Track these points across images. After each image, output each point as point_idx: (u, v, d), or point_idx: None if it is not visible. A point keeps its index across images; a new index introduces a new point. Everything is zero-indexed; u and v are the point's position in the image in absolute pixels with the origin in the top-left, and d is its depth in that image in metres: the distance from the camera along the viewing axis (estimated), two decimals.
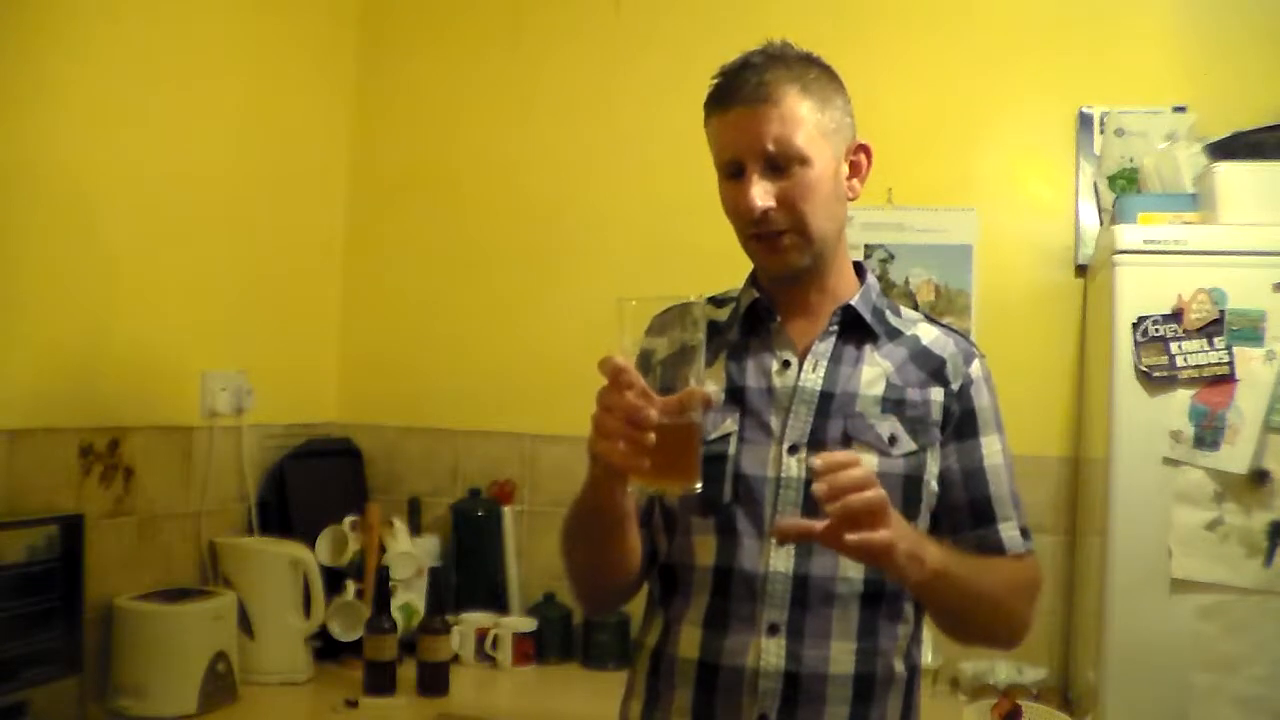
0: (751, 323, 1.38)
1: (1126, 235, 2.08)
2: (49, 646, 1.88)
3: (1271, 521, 1.96)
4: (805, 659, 1.26)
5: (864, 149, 1.38)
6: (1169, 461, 2.01)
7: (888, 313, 1.40)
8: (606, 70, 2.85)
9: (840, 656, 1.27)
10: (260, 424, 2.56)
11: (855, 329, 1.35)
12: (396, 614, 2.38)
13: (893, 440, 1.29)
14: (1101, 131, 2.54)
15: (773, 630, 1.26)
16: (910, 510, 1.29)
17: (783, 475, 1.28)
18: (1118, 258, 2.07)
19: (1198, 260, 2.03)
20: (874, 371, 1.33)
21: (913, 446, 1.30)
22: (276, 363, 2.65)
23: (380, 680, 2.25)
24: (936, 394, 1.33)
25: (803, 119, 1.27)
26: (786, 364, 1.34)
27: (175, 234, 2.31)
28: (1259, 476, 1.97)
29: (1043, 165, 2.62)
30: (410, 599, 2.51)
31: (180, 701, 2.01)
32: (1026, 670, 2.38)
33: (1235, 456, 1.97)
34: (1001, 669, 2.37)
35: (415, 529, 2.68)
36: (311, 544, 2.43)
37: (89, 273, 2.09)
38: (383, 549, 2.53)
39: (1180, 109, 2.46)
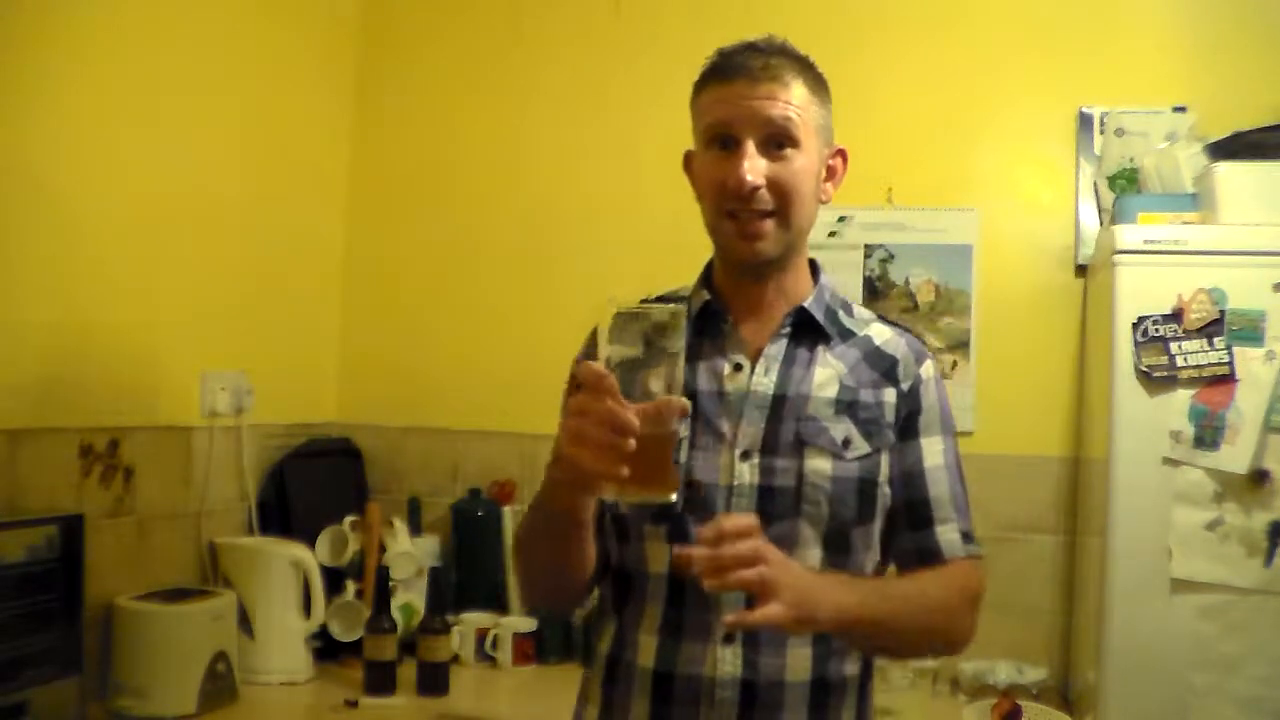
0: (703, 324, 1.34)
1: (1126, 235, 2.08)
2: (49, 646, 1.87)
3: (1271, 521, 1.96)
4: (762, 667, 1.25)
5: (841, 154, 1.36)
6: (1169, 461, 2.01)
7: (840, 312, 1.37)
8: (606, 71, 2.85)
9: (797, 663, 1.26)
10: (260, 424, 2.56)
11: (808, 330, 1.33)
12: (396, 614, 2.38)
13: (846, 443, 1.27)
14: (1101, 131, 2.54)
15: (729, 639, 1.25)
16: (865, 513, 1.28)
17: (735, 482, 1.26)
18: (1118, 258, 2.07)
19: (1198, 260, 2.03)
20: (827, 373, 1.31)
21: (867, 449, 1.28)
22: (276, 363, 2.65)
23: (380, 680, 2.25)
24: (889, 395, 1.32)
25: (803, 106, 1.26)
26: (739, 367, 1.31)
27: (175, 234, 2.31)
28: (1259, 476, 1.97)
29: (1043, 165, 2.62)
30: (410, 599, 2.51)
31: (180, 701, 2.01)
32: (1026, 670, 2.38)
33: (1235, 456, 1.97)
34: (1001, 669, 2.37)
35: (415, 529, 2.68)
36: (311, 544, 2.43)
37: (89, 272, 2.09)
38: (383, 549, 2.52)
39: (1180, 109, 2.46)
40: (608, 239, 2.81)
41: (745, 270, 1.32)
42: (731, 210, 1.27)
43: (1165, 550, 2.00)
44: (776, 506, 1.23)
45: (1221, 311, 2.00)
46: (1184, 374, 2.01)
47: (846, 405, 1.29)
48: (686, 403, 1.11)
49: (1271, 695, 1.94)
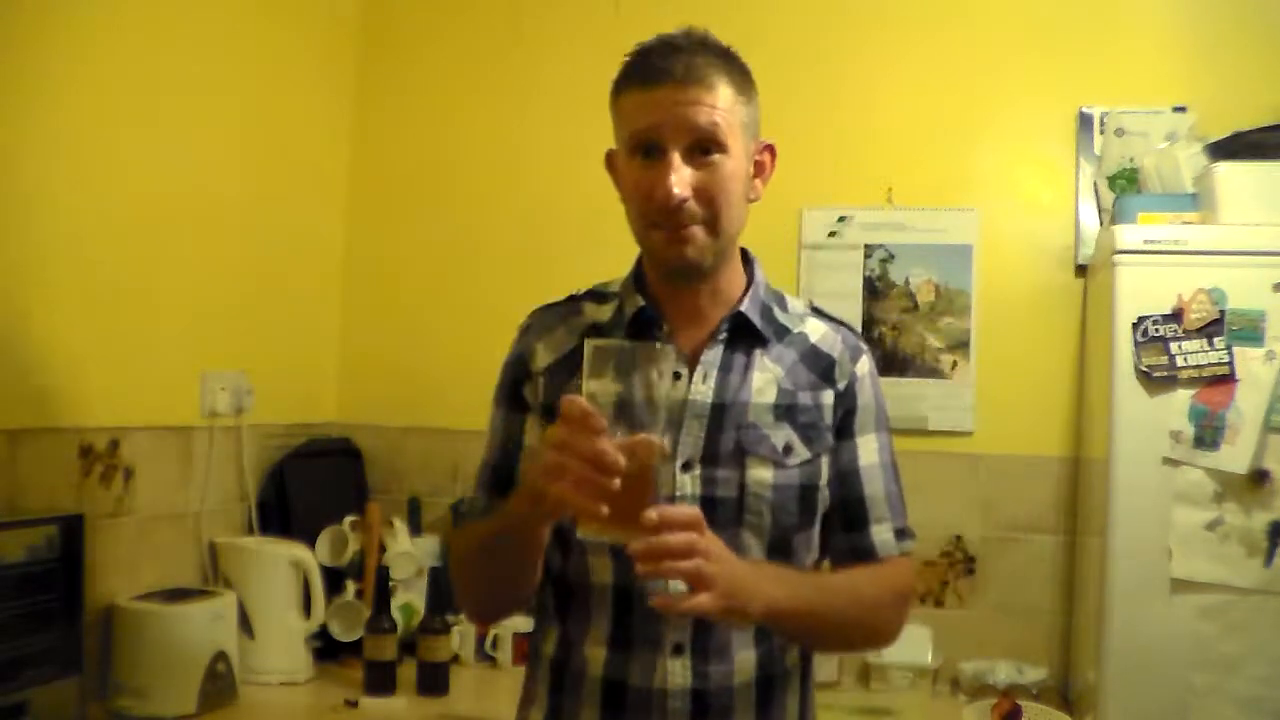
0: (637, 331, 1.31)
1: (1126, 235, 2.08)
2: (49, 646, 1.87)
3: (1271, 521, 1.96)
4: (711, 675, 1.25)
5: (769, 149, 1.31)
6: (1169, 461, 2.01)
7: (775, 309, 1.34)
8: (606, 71, 2.80)
9: (743, 666, 1.26)
10: (260, 424, 2.56)
11: (744, 334, 1.30)
12: (396, 614, 2.38)
13: (787, 450, 1.26)
14: (1101, 131, 2.54)
15: (677, 650, 1.24)
16: (806, 520, 1.28)
17: (678, 494, 1.23)
18: (1118, 258, 2.07)
19: (1198, 260, 2.03)
20: (764, 378, 1.28)
21: (807, 455, 1.27)
22: (276, 363, 2.65)
23: (380, 680, 2.25)
24: (827, 397, 1.30)
25: (728, 108, 1.22)
26: (677, 375, 1.26)
27: (175, 234, 2.30)
28: (1259, 476, 1.97)
29: (1043, 165, 2.62)
30: (410, 599, 2.51)
31: (180, 701, 2.01)
32: (1026, 670, 2.38)
33: (1235, 456, 1.97)
34: (1001, 669, 2.37)
35: (415, 529, 2.68)
36: (311, 544, 2.43)
37: (89, 272, 2.09)
38: (383, 549, 2.52)
39: (1180, 109, 2.46)
40: (608, 239, 2.77)
41: (676, 276, 1.28)
42: (658, 221, 1.24)
43: (1165, 550, 2.00)
44: (719, 517, 1.20)
45: (1221, 311, 2.00)
46: (1184, 374, 2.01)
47: (785, 410, 1.27)
48: (665, 445, 1.10)
49: (1271, 695, 1.94)
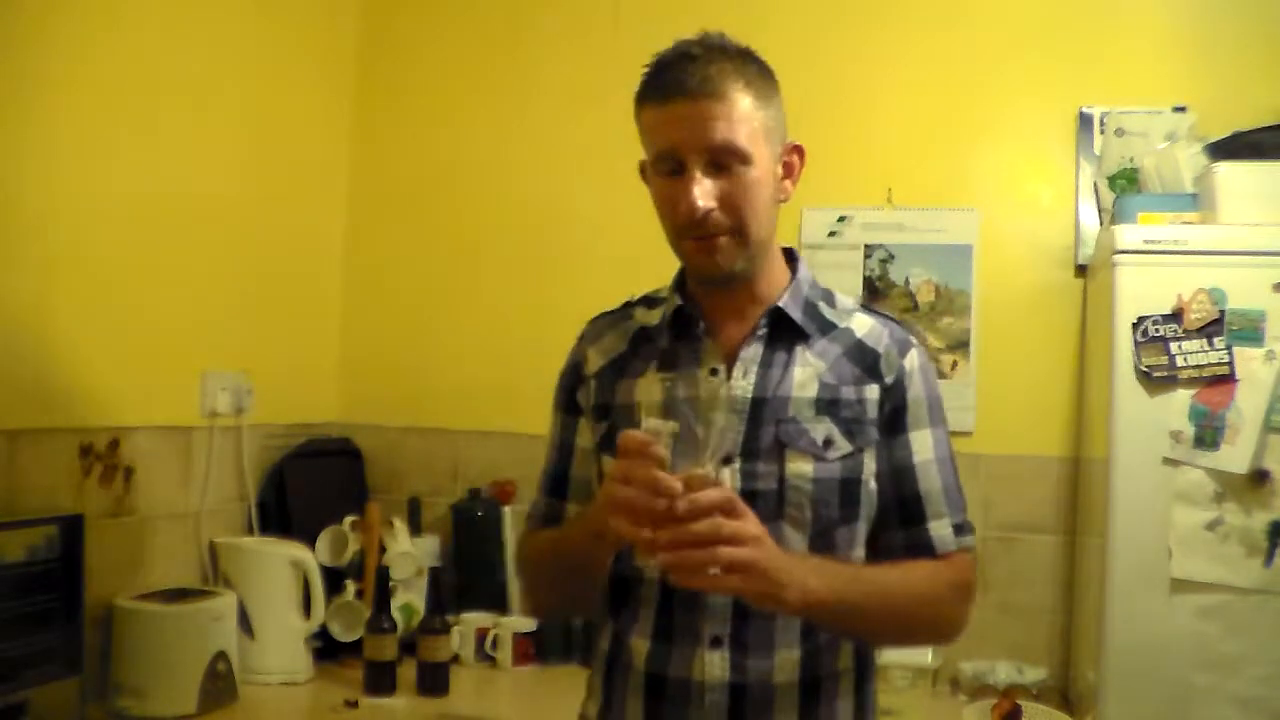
0: (677, 330, 1.34)
1: (1126, 235, 2.08)
2: (49, 646, 1.88)
3: (1271, 521, 1.96)
4: (750, 670, 1.25)
5: (797, 149, 1.32)
6: (1169, 461, 2.01)
7: (821, 304, 1.35)
8: (605, 72, 2.84)
9: (784, 665, 1.26)
10: (260, 424, 2.56)
11: (786, 329, 1.31)
12: (396, 614, 2.38)
13: (828, 444, 1.26)
14: (1101, 131, 2.54)
15: (715, 643, 1.25)
16: (849, 513, 1.27)
17: None
18: (1118, 258, 2.07)
19: (1198, 260, 2.03)
20: (806, 373, 1.29)
21: (849, 449, 1.27)
22: (276, 363, 2.65)
23: (380, 680, 2.25)
24: (871, 391, 1.29)
25: (747, 115, 1.22)
26: (714, 372, 1.29)
27: (175, 234, 2.31)
28: (1259, 476, 1.97)
29: (1043, 165, 2.62)
30: (410, 599, 2.51)
31: (180, 701, 2.01)
32: (1026, 670, 2.38)
33: (1235, 456, 1.97)
34: (1001, 669, 2.37)
35: (415, 529, 2.68)
36: (311, 544, 2.43)
37: (89, 272, 2.09)
38: (383, 549, 2.53)
39: (1180, 109, 2.46)
40: (608, 239, 2.81)
41: (709, 283, 1.31)
42: (686, 233, 1.26)
43: (1165, 550, 2.00)
44: (759, 510, 1.20)
45: (1221, 311, 2.00)
46: (1184, 374, 2.01)
47: (827, 404, 1.27)
48: (729, 487, 1.13)
49: (1271, 695, 1.94)
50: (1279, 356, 1.97)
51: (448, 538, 2.73)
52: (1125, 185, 2.46)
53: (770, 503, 1.24)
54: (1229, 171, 2.11)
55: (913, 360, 1.33)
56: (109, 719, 2.00)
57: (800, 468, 1.25)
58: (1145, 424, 2.02)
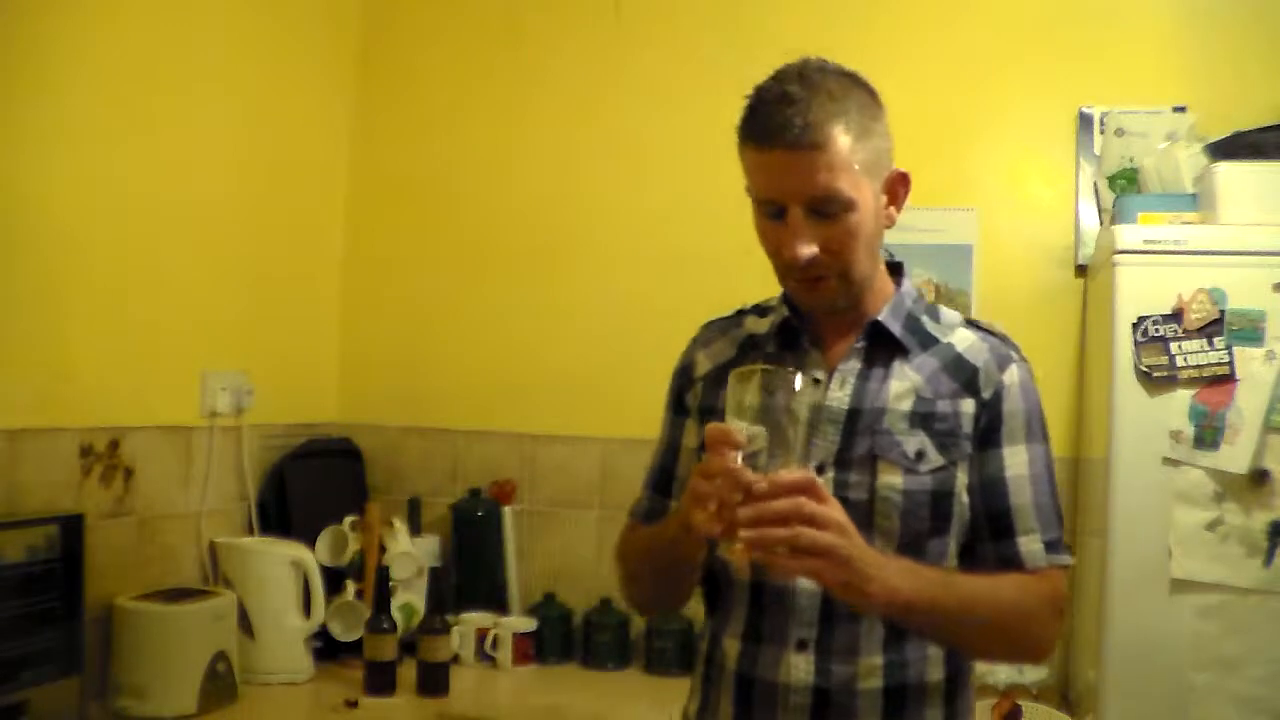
0: (782, 340, 1.36)
1: (1126, 235, 2.08)
2: (49, 646, 1.88)
3: (1271, 521, 1.96)
4: (834, 674, 1.26)
5: (903, 178, 1.31)
6: (1169, 461, 2.01)
7: (924, 319, 1.36)
8: (606, 72, 2.85)
9: (868, 672, 1.26)
10: (260, 424, 2.56)
11: (885, 342, 1.33)
12: (396, 614, 2.38)
13: (920, 456, 1.27)
14: (1101, 131, 2.54)
15: (801, 646, 1.27)
16: (939, 526, 1.27)
17: None
18: (1118, 258, 2.07)
19: (1198, 260, 2.03)
20: (903, 385, 1.30)
21: (940, 461, 1.27)
22: (276, 363, 2.65)
23: (380, 680, 2.25)
24: (967, 405, 1.29)
25: (847, 160, 1.21)
26: (815, 381, 1.30)
27: (176, 234, 2.31)
28: (1259, 476, 1.97)
29: (1043, 165, 2.62)
30: (410, 599, 2.51)
31: (180, 701, 2.01)
32: (1026, 670, 2.37)
33: (1235, 456, 1.97)
34: (1001, 669, 2.37)
35: (415, 529, 2.68)
36: (311, 544, 2.43)
37: (89, 272, 2.09)
38: (383, 549, 2.52)
39: (1180, 109, 2.46)
40: (608, 238, 2.81)
41: (815, 312, 1.34)
42: (789, 275, 1.28)
43: (1165, 550, 2.00)
44: (850, 520, 1.23)
45: (1221, 311, 2.00)
46: (1184, 374, 2.01)
47: (922, 417, 1.28)
48: (812, 475, 1.13)
49: (1271, 695, 1.94)
50: (1279, 356, 1.97)
51: (448, 538, 2.73)
52: (1125, 185, 2.46)
53: (860, 513, 1.24)
54: (1229, 171, 2.11)
55: (1012, 375, 1.33)
56: (109, 719, 2.00)
57: (891, 479, 1.26)
58: (1145, 424, 2.02)
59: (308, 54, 2.81)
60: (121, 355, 2.17)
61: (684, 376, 1.44)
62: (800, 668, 1.26)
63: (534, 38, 2.90)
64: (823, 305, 1.31)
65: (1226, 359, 1.99)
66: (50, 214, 2.01)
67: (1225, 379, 1.99)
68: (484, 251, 2.90)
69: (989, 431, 1.30)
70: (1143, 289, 2.05)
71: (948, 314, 1.39)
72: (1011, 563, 1.29)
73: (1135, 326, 2.04)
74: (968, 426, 1.29)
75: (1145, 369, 2.02)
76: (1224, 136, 2.24)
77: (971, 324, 1.38)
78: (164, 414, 2.29)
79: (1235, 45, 2.48)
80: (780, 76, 1.23)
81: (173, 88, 2.28)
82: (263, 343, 2.59)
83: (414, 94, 2.98)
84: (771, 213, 1.25)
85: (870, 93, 1.29)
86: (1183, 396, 2.01)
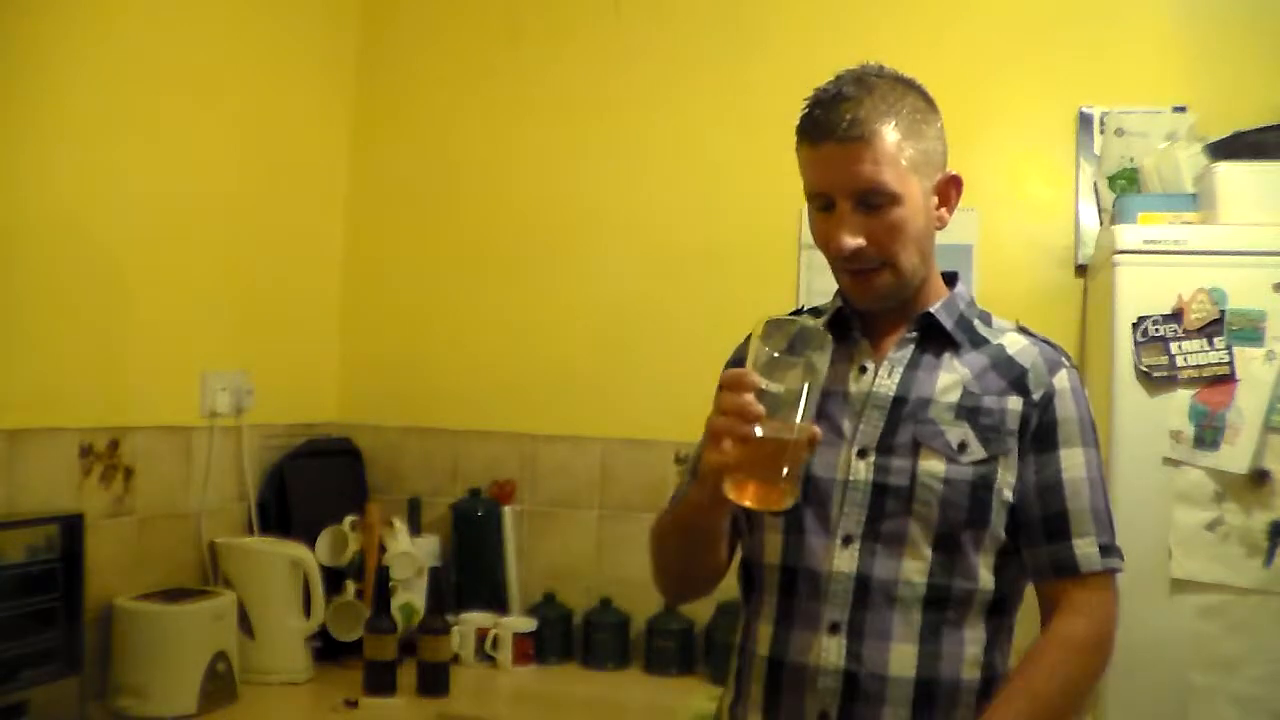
0: (834, 330, 1.36)
1: (1126, 235, 2.08)
2: (49, 646, 1.88)
3: (1271, 521, 1.96)
4: (865, 659, 1.26)
5: (954, 181, 1.35)
6: (1169, 461, 2.01)
7: (976, 322, 1.38)
8: (606, 73, 2.85)
9: (901, 659, 1.27)
10: (260, 424, 2.56)
11: (937, 336, 1.35)
12: (396, 614, 2.38)
13: (962, 447, 1.29)
14: (1101, 131, 2.54)
15: (834, 629, 1.28)
16: (976, 518, 1.28)
17: (850, 478, 1.30)
18: (1118, 258, 2.07)
19: (1198, 260, 2.03)
20: (951, 378, 1.32)
21: (983, 454, 1.29)
22: (276, 363, 2.65)
23: (380, 680, 2.25)
24: (1014, 403, 1.31)
25: (895, 156, 1.26)
26: (864, 369, 1.35)
27: (175, 234, 2.31)
28: (1259, 476, 1.97)
29: (1043, 165, 2.61)
30: (410, 599, 2.51)
31: (180, 701, 2.01)
32: None
33: (1235, 456, 1.97)
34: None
35: (415, 529, 2.68)
36: (311, 544, 2.43)
37: (89, 272, 2.09)
38: (383, 549, 2.52)
39: (1180, 109, 2.46)
40: (608, 238, 2.81)
41: (867, 307, 1.37)
42: (840, 266, 1.33)
43: (1165, 550, 2.00)
44: (889, 504, 1.27)
45: (1221, 311, 2.00)
46: (1184, 374, 2.01)
47: (968, 410, 1.30)
48: (817, 431, 1.16)
49: (1271, 695, 1.94)
50: (1279, 356, 1.97)
51: (448, 538, 2.73)
52: (1125, 185, 2.46)
53: (900, 498, 1.28)
54: (1229, 171, 2.11)
55: (1063, 380, 1.34)
56: (109, 719, 2.00)
57: (932, 466, 1.28)
58: (1145, 424, 2.02)
59: (307, 54, 2.81)
60: (121, 355, 2.17)
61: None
62: (831, 650, 1.27)
63: (534, 38, 2.90)
64: (874, 300, 1.33)
65: (1226, 359, 1.99)
66: (50, 214, 2.01)
67: (1225, 379, 1.99)
68: (484, 252, 2.90)
69: (1045, 434, 1.32)
70: (1143, 289, 2.04)
71: (1000, 321, 1.42)
72: (1065, 566, 1.31)
73: (1135, 326, 2.03)
74: (1013, 424, 1.31)
75: (1145, 369, 2.02)
76: (1224, 136, 2.23)
77: (1023, 330, 1.41)
78: (164, 414, 2.29)
79: (1235, 45, 2.48)
80: (838, 79, 1.30)
81: (173, 88, 2.28)
82: (263, 343, 2.60)
83: (414, 94, 2.98)
84: (822, 206, 1.30)
85: (926, 98, 1.35)
86: (1183, 396, 2.01)
